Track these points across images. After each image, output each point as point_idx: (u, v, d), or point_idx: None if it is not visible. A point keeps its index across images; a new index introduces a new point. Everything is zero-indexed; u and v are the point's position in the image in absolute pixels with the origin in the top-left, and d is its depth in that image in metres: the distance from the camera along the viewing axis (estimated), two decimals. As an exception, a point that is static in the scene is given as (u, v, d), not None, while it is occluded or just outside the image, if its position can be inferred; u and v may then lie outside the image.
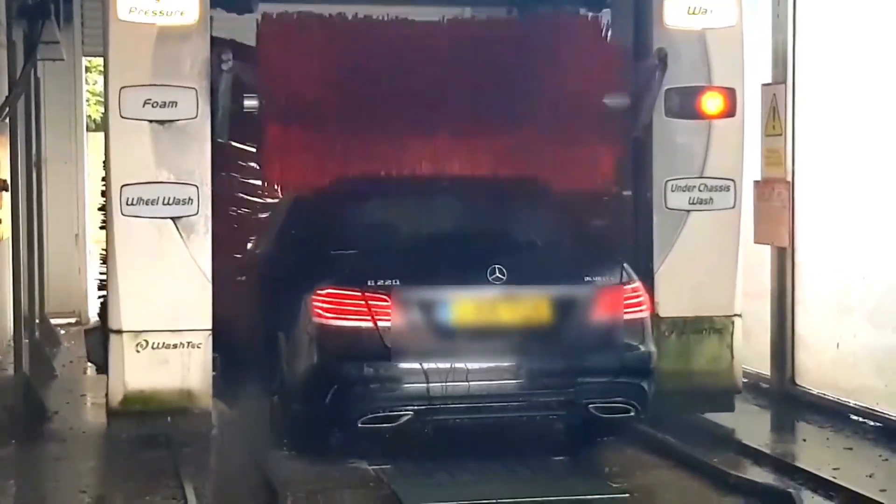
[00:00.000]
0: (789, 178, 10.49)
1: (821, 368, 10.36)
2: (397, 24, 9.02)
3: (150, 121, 8.22)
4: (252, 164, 9.21)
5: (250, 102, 8.55)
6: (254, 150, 9.14)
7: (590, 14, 9.59)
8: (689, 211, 9.09)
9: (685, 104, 8.99)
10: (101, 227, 8.91)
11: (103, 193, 8.62)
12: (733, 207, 9.16)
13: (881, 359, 9.53)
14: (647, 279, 8.84)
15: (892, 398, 9.35)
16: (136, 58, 8.22)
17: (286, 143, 8.74)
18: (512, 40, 8.93)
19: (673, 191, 9.06)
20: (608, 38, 9.30)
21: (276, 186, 8.94)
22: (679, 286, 9.07)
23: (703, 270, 9.10)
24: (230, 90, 8.28)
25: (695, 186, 9.07)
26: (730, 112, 9.04)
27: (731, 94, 9.04)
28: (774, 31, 10.58)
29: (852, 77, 10.08)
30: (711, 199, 9.09)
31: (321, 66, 8.58)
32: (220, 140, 8.42)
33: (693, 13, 8.99)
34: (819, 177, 10.43)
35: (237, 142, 9.10)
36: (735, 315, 9.21)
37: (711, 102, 9.00)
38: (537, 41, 8.94)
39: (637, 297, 8.33)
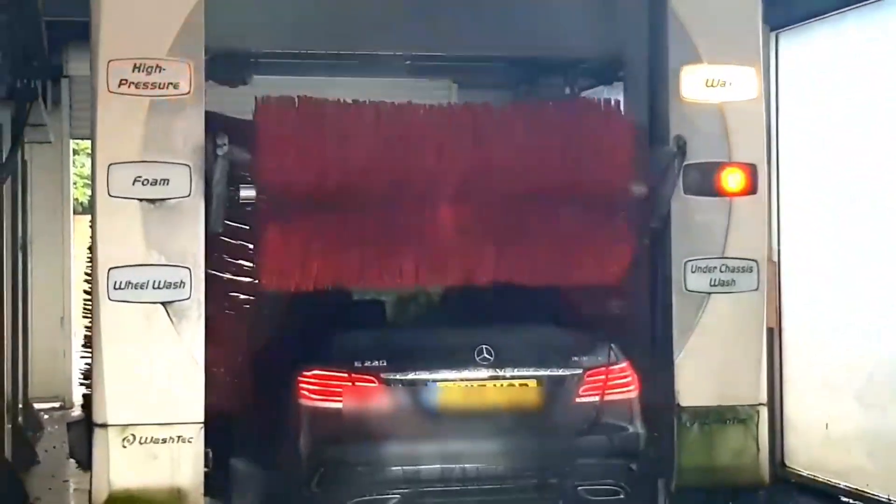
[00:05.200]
0: (775, 259, 10.40)
1: (810, 449, 10.23)
2: (406, 109, 8.38)
3: (141, 199, 7.73)
4: (245, 243, 8.90)
5: (247, 193, 8.02)
6: (247, 228, 8.81)
7: (605, 95, 9.07)
8: (709, 293, 8.54)
9: (704, 181, 8.50)
10: (86, 314, 8.48)
11: (88, 277, 8.17)
12: (757, 289, 8.60)
13: (871, 440, 9.39)
14: (667, 366, 8.41)
15: (882, 479, 9.21)
16: (125, 133, 7.74)
17: (284, 236, 8.17)
18: (525, 125, 8.44)
19: (693, 272, 8.52)
20: (623, 117, 8.73)
21: (270, 276, 8.24)
22: (700, 373, 8.49)
23: (726, 356, 8.52)
24: (225, 177, 7.82)
25: (716, 267, 8.53)
26: (751, 189, 8.58)
27: (752, 170, 8.58)
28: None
29: (836, 157, 10.10)
30: (733, 280, 8.55)
31: (322, 156, 8.06)
32: (214, 231, 7.95)
33: (711, 85, 8.54)
34: (804, 257, 10.38)
35: (231, 222, 8.75)
36: (760, 404, 8.62)
37: (732, 179, 8.52)
38: (552, 126, 8.49)
39: (625, 377, 8.21)
